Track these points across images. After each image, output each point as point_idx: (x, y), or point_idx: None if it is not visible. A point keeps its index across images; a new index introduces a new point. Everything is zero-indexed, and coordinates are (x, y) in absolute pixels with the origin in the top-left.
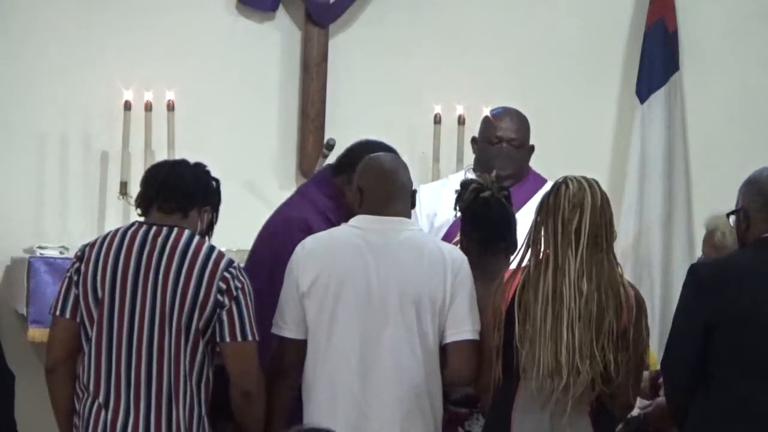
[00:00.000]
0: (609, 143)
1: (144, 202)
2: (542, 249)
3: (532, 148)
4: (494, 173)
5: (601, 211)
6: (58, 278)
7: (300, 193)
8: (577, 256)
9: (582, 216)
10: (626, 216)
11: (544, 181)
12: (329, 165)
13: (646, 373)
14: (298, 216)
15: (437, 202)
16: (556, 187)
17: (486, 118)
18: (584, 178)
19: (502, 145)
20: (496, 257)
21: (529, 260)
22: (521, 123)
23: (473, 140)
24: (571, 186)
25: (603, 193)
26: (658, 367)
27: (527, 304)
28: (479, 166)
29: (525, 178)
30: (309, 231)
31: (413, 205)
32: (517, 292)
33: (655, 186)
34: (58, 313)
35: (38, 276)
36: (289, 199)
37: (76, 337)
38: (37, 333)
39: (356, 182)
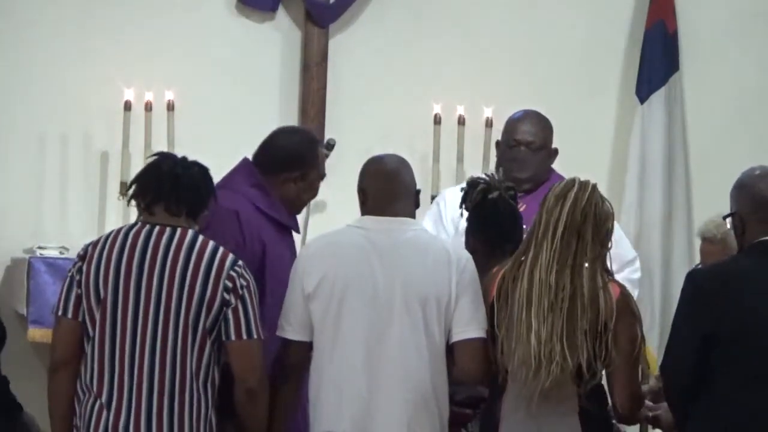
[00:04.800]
0: (609, 143)
1: (147, 198)
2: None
3: (555, 151)
4: (500, 171)
5: (585, 208)
6: (58, 278)
7: (225, 186)
8: (552, 247)
9: (562, 208)
10: (626, 216)
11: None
12: (248, 159)
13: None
14: (229, 207)
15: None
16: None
17: (507, 122)
18: (583, 179)
19: (520, 149)
20: (503, 258)
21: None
22: (540, 126)
23: (497, 144)
24: (562, 183)
25: (595, 196)
26: (658, 368)
27: (507, 292)
28: (501, 169)
29: (548, 180)
30: (239, 221)
31: (417, 205)
32: (498, 281)
33: (655, 186)
34: (60, 312)
35: (38, 276)
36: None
37: (79, 337)
38: (37, 333)
39: (359, 183)
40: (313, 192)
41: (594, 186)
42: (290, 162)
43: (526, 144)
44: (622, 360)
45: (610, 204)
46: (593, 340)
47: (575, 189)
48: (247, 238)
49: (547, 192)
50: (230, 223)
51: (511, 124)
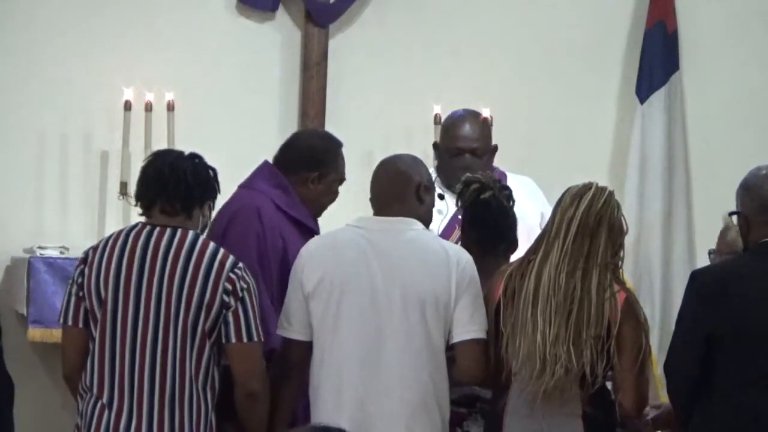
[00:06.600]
0: (609, 143)
1: (144, 201)
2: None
3: (496, 148)
4: (438, 180)
5: (600, 211)
6: (58, 278)
7: (247, 186)
8: (564, 247)
9: (577, 208)
10: (626, 216)
11: (503, 175)
12: (268, 161)
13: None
14: (251, 204)
15: None
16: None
17: (445, 127)
18: (602, 185)
19: (464, 157)
20: (496, 258)
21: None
22: (481, 129)
23: (435, 146)
24: (580, 184)
25: (612, 201)
26: (659, 369)
27: (513, 290)
28: (442, 176)
29: None
30: (260, 217)
31: (422, 200)
32: (505, 279)
33: (655, 186)
34: (62, 320)
35: (38, 276)
36: (239, 195)
37: (86, 343)
38: (37, 333)
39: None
40: (333, 195)
41: (611, 192)
42: (309, 161)
43: (471, 151)
44: (627, 365)
45: (625, 220)
46: (597, 345)
47: (592, 191)
48: (268, 233)
49: (564, 192)
50: (252, 219)
51: (451, 130)
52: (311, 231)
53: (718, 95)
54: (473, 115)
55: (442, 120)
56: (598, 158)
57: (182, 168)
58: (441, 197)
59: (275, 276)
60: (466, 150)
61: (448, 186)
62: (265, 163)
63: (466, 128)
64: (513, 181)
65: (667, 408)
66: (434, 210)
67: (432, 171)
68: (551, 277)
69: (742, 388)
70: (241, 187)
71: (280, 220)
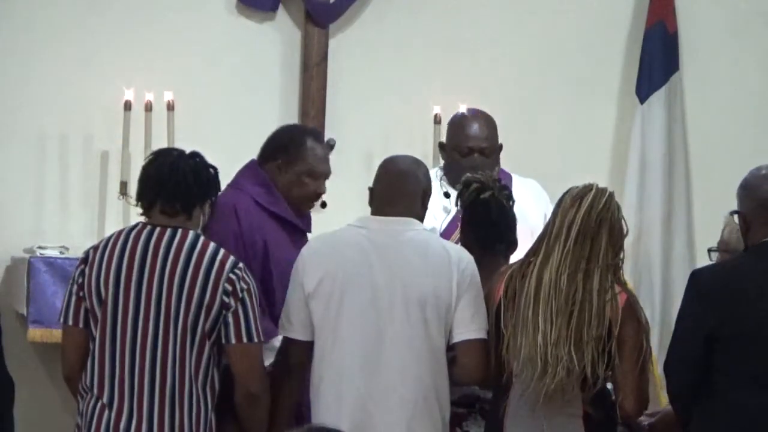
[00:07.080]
0: (609, 143)
1: (144, 202)
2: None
3: (501, 147)
4: (443, 179)
5: (601, 213)
6: (58, 278)
7: (231, 186)
8: (564, 249)
9: (578, 210)
10: (626, 216)
11: (509, 177)
12: (254, 160)
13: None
14: (228, 202)
15: None
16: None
17: (454, 125)
18: (602, 187)
19: (474, 156)
20: (495, 258)
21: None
22: (490, 127)
23: (441, 146)
24: (580, 186)
25: (613, 203)
26: (659, 369)
27: (514, 291)
28: (450, 175)
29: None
30: (236, 214)
31: (424, 205)
32: (506, 280)
33: (655, 186)
34: (62, 320)
35: (38, 276)
36: (223, 194)
37: (87, 343)
38: (38, 333)
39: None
40: (304, 188)
41: (612, 194)
42: (272, 148)
43: (480, 150)
44: (628, 366)
45: (626, 221)
46: (598, 346)
47: (593, 193)
48: (245, 230)
49: (563, 193)
50: (228, 217)
51: (460, 130)
52: (298, 228)
53: (718, 95)
54: (482, 115)
55: (445, 119)
56: (598, 158)
57: (182, 168)
58: (447, 195)
59: (256, 275)
60: (475, 150)
61: (455, 186)
62: (251, 161)
63: (476, 128)
64: (518, 184)
65: (664, 414)
66: (440, 208)
67: (433, 171)
68: (552, 279)
69: (742, 388)
70: (228, 186)
71: (262, 218)
